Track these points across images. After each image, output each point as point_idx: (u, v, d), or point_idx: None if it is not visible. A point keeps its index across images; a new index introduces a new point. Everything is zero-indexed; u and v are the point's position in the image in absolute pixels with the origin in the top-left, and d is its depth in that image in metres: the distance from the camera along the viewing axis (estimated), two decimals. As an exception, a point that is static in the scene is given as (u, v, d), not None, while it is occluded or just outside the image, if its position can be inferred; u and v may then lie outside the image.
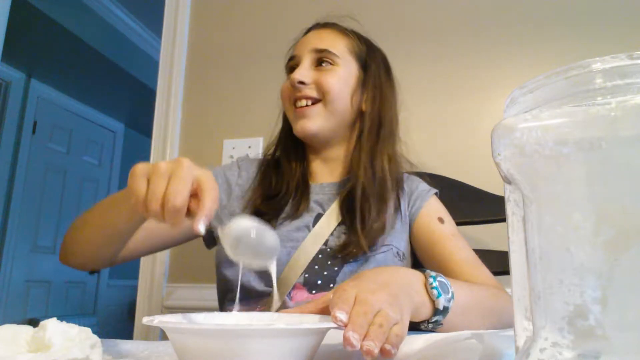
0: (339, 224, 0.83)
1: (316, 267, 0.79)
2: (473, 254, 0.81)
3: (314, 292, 0.78)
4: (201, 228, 0.49)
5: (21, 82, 3.19)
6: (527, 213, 0.29)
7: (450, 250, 0.80)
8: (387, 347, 0.39)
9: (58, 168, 3.46)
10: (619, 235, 0.25)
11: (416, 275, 0.55)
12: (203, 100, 1.51)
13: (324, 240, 0.81)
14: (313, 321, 0.47)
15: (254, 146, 1.41)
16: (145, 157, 1.53)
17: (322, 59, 0.86)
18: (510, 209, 0.32)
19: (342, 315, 0.40)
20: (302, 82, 0.84)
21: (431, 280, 0.55)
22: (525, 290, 0.30)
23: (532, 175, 0.28)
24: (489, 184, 1.04)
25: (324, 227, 0.82)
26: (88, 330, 0.40)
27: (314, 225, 0.83)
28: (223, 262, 0.85)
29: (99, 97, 3.62)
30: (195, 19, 1.58)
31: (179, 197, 0.49)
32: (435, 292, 0.54)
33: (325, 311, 0.48)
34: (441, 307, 0.54)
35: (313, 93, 0.85)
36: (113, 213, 0.69)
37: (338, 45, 0.87)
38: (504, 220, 0.34)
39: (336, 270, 0.79)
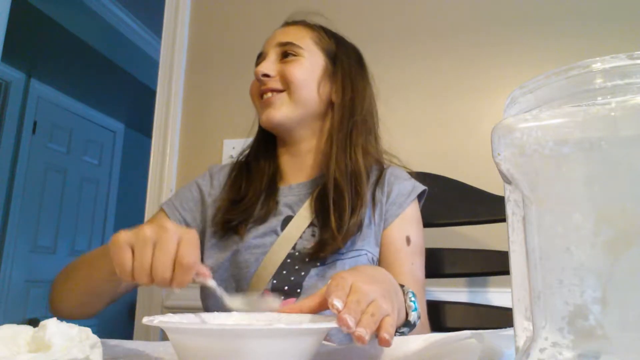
0: (308, 226, 0.81)
1: (284, 272, 0.78)
2: (421, 280, 0.80)
3: (282, 298, 0.76)
4: (211, 283, 0.54)
5: (21, 82, 3.18)
6: (527, 213, 0.29)
7: (400, 272, 0.78)
8: (386, 335, 0.42)
9: (58, 168, 3.45)
10: (619, 235, 0.25)
11: (398, 286, 0.57)
12: (203, 100, 1.51)
13: (293, 244, 0.79)
14: (313, 321, 0.47)
15: (254, 146, 1.41)
16: (145, 157, 1.54)
17: (286, 52, 0.86)
18: (510, 209, 0.32)
19: (338, 304, 0.42)
20: (266, 75, 0.84)
21: (410, 294, 0.57)
22: (525, 291, 0.30)
23: (532, 175, 0.28)
24: (489, 184, 1.04)
25: (293, 230, 0.80)
26: (88, 330, 0.39)
27: (282, 229, 0.81)
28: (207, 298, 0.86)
29: (99, 97, 3.62)
30: (195, 19, 1.58)
31: (166, 270, 0.51)
32: (412, 305, 0.57)
33: (323, 304, 0.49)
34: (412, 321, 0.56)
35: (278, 85, 0.85)
36: (94, 275, 0.71)
37: (303, 38, 0.88)
38: (504, 220, 0.34)
39: (303, 275, 0.77)
